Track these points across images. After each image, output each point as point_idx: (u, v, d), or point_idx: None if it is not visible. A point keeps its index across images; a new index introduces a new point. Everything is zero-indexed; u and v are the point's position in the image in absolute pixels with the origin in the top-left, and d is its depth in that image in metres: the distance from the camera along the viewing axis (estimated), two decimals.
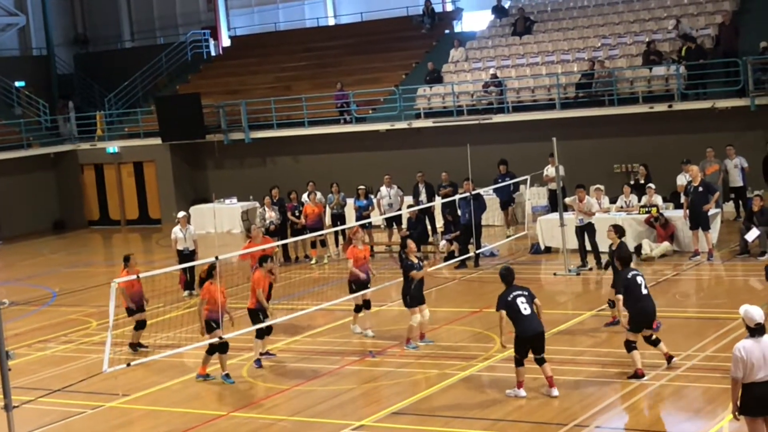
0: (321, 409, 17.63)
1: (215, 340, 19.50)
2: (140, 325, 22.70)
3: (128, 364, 18.78)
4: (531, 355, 17.15)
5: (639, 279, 17.98)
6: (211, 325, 19.71)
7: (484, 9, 46.15)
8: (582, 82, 37.09)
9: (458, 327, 21.80)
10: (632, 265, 19.12)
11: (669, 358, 18.12)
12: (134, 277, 20.35)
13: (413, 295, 20.85)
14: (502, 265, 28.83)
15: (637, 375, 17.67)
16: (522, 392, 17.18)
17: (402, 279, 20.98)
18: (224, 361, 19.82)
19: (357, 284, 22.05)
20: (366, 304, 22.27)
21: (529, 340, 17.10)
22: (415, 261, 21.01)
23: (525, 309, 17.08)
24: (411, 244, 21.30)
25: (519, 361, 17.18)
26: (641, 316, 17.88)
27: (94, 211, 48.07)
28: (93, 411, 18.75)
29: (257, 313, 20.36)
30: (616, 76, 36.41)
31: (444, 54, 43.13)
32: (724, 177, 31.81)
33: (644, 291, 17.94)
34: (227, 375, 19.77)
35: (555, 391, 17.16)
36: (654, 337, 18.19)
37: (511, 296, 17.22)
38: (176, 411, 18.38)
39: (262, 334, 20.43)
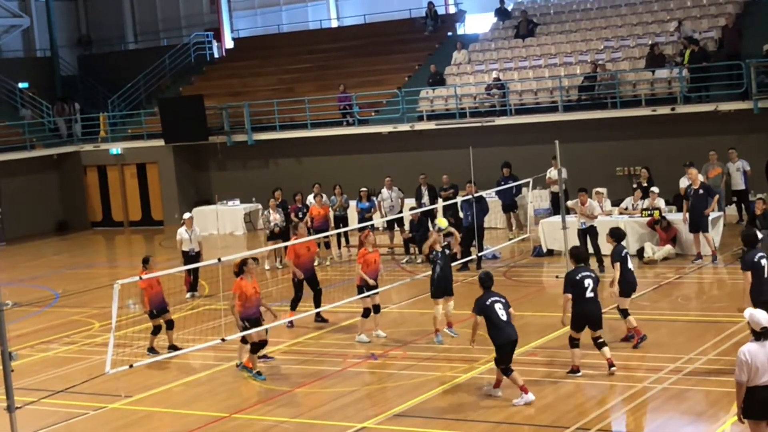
0: (323, 411, 17.65)
1: (251, 331, 19.60)
2: (169, 325, 22.63)
3: (131, 366, 18.78)
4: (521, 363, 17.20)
5: (587, 282, 18.03)
6: (244, 325, 19.76)
7: (487, 11, 46.16)
8: (585, 84, 37.10)
9: (461, 329, 21.77)
10: (630, 266, 19.43)
11: (610, 364, 18.20)
12: (137, 278, 20.19)
13: (437, 286, 21.22)
14: (503, 268, 29.05)
15: (573, 371, 18.17)
16: (530, 396, 17.07)
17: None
18: (255, 359, 19.82)
19: (367, 288, 22.00)
20: (375, 308, 22.13)
21: (509, 345, 17.15)
22: (438, 250, 21.40)
23: (502, 315, 17.15)
24: (434, 235, 21.89)
25: (508, 370, 17.17)
26: (582, 318, 18.05)
27: (97, 213, 48.12)
28: (95, 412, 18.78)
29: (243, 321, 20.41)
30: (619, 79, 36.43)
31: (447, 56, 43.15)
32: (726, 180, 31.84)
33: (589, 294, 18.00)
34: (258, 372, 19.75)
35: (499, 392, 17.41)
36: (600, 339, 18.30)
37: (489, 301, 17.26)
38: (179, 413, 18.40)
39: (256, 348, 20.00)
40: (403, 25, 47.75)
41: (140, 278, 20.24)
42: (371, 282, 21.82)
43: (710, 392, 16.91)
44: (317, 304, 23.78)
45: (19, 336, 25.18)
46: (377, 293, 22.08)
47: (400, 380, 19.01)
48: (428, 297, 21.70)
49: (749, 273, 17.53)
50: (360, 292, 22.06)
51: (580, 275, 18.02)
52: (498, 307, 17.19)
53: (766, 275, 17.64)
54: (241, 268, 19.97)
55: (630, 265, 20.06)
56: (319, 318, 23.96)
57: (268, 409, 18.14)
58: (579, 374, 18.13)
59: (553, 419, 16.21)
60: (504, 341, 17.11)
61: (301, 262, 23.84)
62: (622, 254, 19.99)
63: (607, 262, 27.64)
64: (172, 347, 22.34)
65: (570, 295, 17.94)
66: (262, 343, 19.94)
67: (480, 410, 17.00)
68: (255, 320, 19.77)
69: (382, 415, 17.08)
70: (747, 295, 17.50)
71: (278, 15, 53.75)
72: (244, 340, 20.23)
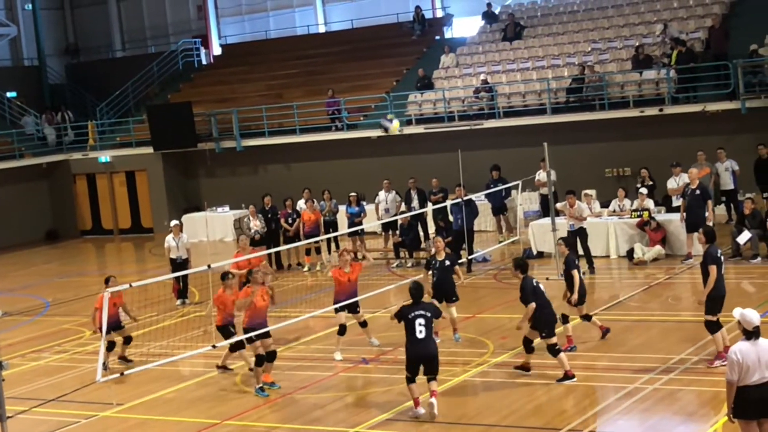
0: (315, 417, 17.65)
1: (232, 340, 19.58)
2: (127, 341, 22.55)
3: (122, 374, 18.81)
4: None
5: (542, 287, 18.38)
6: (229, 331, 19.86)
7: (475, 15, 46.25)
8: (572, 86, 37.17)
9: (451, 332, 21.79)
10: (626, 267, 19.55)
11: (525, 367, 18.72)
12: (127, 286, 20.12)
13: (435, 290, 21.31)
14: (493, 270, 29.07)
15: (524, 368, 18.65)
16: (420, 410, 16.92)
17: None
18: (259, 373, 19.42)
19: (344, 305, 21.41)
20: (363, 323, 21.64)
21: (418, 360, 16.91)
22: (440, 258, 21.41)
23: (420, 332, 16.81)
24: (438, 242, 21.94)
25: (410, 379, 17.05)
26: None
27: (87, 221, 48.08)
28: (87, 420, 18.74)
29: (227, 329, 20.43)
30: (607, 81, 36.49)
31: (435, 60, 43.20)
32: (715, 180, 31.89)
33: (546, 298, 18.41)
34: (261, 388, 19.32)
35: (434, 402, 17.01)
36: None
37: (412, 315, 16.95)
38: (170, 420, 18.38)
39: (262, 361, 19.37)
40: (391, 30, 47.79)
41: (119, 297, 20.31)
42: (341, 298, 21.18)
43: (701, 392, 16.94)
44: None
45: (10, 345, 25.18)
46: (356, 312, 21.45)
47: (392, 384, 19.01)
48: None
49: (714, 267, 17.82)
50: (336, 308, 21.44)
51: (535, 281, 18.37)
52: (419, 322, 16.86)
53: (723, 271, 18.05)
54: (223, 277, 20.17)
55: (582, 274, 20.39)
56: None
57: (260, 415, 18.13)
58: (574, 379, 18.00)
59: (545, 421, 16.24)
60: (422, 357, 16.90)
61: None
62: (577, 262, 20.30)
63: (597, 263, 27.82)
64: (123, 358, 22.40)
65: (534, 305, 18.07)
66: (271, 355, 19.54)
67: (472, 413, 17.03)
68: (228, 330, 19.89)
69: (373, 419, 17.08)
70: (709, 288, 17.85)
71: (266, 21, 53.81)
72: (232, 347, 20.27)
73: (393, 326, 23.01)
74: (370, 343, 21.80)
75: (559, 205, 28.73)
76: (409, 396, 17.18)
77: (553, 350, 18.12)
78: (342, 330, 21.24)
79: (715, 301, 17.97)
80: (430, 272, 21.56)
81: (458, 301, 21.67)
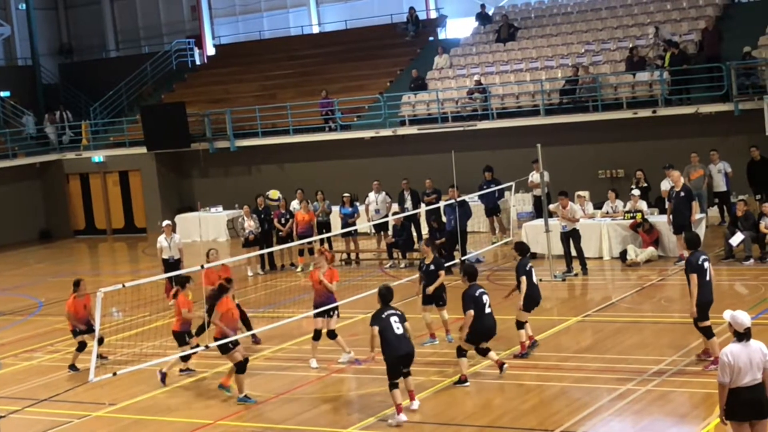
0: (308, 417, 17.66)
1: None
2: (81, 347, 22.43)
3: (114, 374, 18.77)
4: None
5: (485, 297, 18.41)
6: (184, 338, 19.94)
7: (468, 16, 46.31)
8: (566, 88, 37.20)
9: (444, 333, 21.80)
10: (535, 280, 19.99)
11: (501, 365, 18.78)
12: (120, 286, 20.06)
13: (423, 294, 21.25)
14: (486, 271, 29.08)
15: (461, 381, 18.43)
16: (402, 417, 16.93)
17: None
18: (241, 381, 19.10)
19: (317, 307, 20.86)
20: (329, 334, 20.77)
21: (401, 359, 17.09)
22: (427, 263, 21.30)
23: (398, 329, 17.05)
24: (424, 247, 21.96)
25: (394, 385, 17.07)
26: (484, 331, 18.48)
27: (80, 221, 48.08)
28: (80, 420, 18.74)
29: (183, 336, 20.46)
30: (600, 82, 36.51)
31: (428, 61, 43.22)
32: (708, 182, 31.95)
33: (488, 309, 18.41)
34: (247, 396, 19.03)
35: (415, 404, 17.37)
36: (484, 346, 18.65)
37: (385, 314, 17.16)
38: (163, 420, 18.38)
39: (243, 368, 19.03)
40: (385, 31, 47.80)
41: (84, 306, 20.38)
42: (318, 299, 20.81)
43: (694, 394, 16.97)
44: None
45: (3, 345, 25.22)
46: (330, 316, 20.82)
47: (384, 385, 18.94)
48: (412, 302, 21.72)
49: (695, 275, 17.83)
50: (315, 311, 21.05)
51: (478, 292, 18.36)
52: (394, 320, 17.08)
53: (708, 277, 18.01)
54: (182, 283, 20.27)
55: (535, 280, 20.31)
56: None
57: (253, 415, 18.14)
58: (467, 384, 18.40)
59: (538, 422, 16.25)
60: (402, 353, 17.06)
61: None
62: (527, 268, 20.19)
63: (590, 264, 27.86)
64: (100, 356, 22.35)
65: (473, 312, 18.18)
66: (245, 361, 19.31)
67: (464, 414, 17.04)
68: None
69: (366, 420, 17.09)
70: (694, 297, 17.86)
71: (259, 21, 53.80)
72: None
73: None
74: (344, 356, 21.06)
75: (552, 207, 28.74)
76: (404, 395, 17.18)
77: (461, 352, 18.40)
78: (316, 335, 20.75)
79: (701, 308, 18.01)
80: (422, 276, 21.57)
81: (445, 305, 21.50)
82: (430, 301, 21.30)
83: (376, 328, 17.10)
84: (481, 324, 18.21)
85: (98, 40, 57.30)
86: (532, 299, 20.02)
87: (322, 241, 30.80)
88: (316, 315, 20.66)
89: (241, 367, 18.86)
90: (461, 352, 18.41)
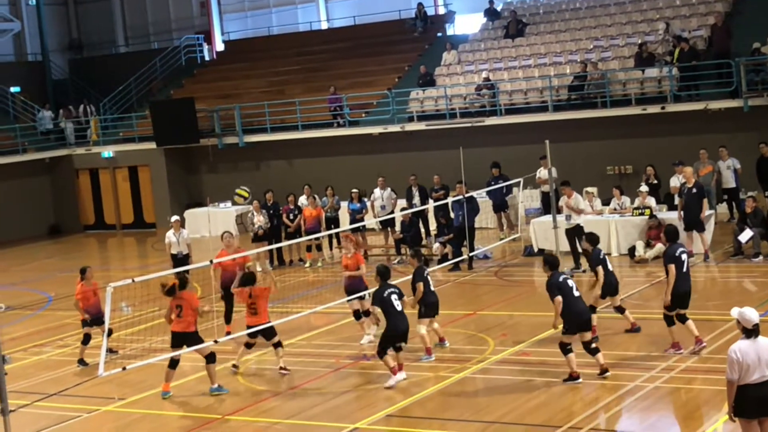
0: (316, 412, 17.70)
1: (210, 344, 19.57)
2: (86, 339, 22.53)
3: (124, 368, 18.82)
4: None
5: (570, 282, 18.11)
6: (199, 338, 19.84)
7: (477, 12, 46.26)
8: (574, 84, 37.18)
9: (452, 329, 21.86)
10: (628, 264, 19.63)
11: (603, 370, 18.05)
12: (129, 281, 20.08)
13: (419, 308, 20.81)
14: (494, 268, 29.12)
15: (572, 377, 17.89)
16: (401, 375, 18.37)
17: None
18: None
19: (349, 292, 21.94)
20: (356, 315, 22.01)
21: (401, 335, 18.31)
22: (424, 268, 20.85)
23: (398, 306, 18.14)
24: (410, 259, 21.95)
25: (384, 353, 18.29)
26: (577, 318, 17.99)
27: (90, 216, 48.16)
28: (89, 415, 18.82)
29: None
30: (609, 78, 36.51)
31: (436, 57, 43.24)
32: (717, 178, 31.93)
33: (576, 293, 17.99)
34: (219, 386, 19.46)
35: (402, 375, 18.35)
36: (594, 345, 18.23)
37: (386, 293, 18.27)
38: (171, 415, 18.46)
39: (174, 364, 19.49)
40: (393, 27, 47.83)
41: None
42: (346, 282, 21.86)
43: (702, 391, 16.99)
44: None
45: (13, 339, 25.26)
46: (362, 298, 21.72)
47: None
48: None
49: (673, 266, 18.49)
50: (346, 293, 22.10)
51: (562, 278, 18.07)
52: (395, 298, 18.27)
53: (684, 269, 18.64)
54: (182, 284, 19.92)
55: (610, 267, 20.54)
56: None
57: (262, 410, 18.19)
58: (578, 380, 17.88)
59: (545, 419, 16.27)
60: (402, 330, 18.34)
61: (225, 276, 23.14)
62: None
63: None
64: (109, 350, 22.44)
65: (560, 298, 17.81)
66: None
67: (471, 410, 17.06)
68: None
69: (374, 415, 17.14)
70: (670, 287, 18.54)
71: (268, 17, 53.80)
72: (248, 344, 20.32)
73: None
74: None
75: (561, 202, 28.74)
76: (412, 392, 17.27)
77: (565, 348, 18.05)
78: (356, 316, 22.08)
79: (676, 298, 18.63)
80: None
81: (436, 315, 20.87)
82: (422, 314, 20.56)
83: (378, 309, 18.29)
84: (570, 311, 17.80)
85: (108, 36, 57.39)
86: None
87: (357, 229, 30.73)
88: (350, 300, 21.88)
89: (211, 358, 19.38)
90: (565, 348, 17.86)
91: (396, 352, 18.51)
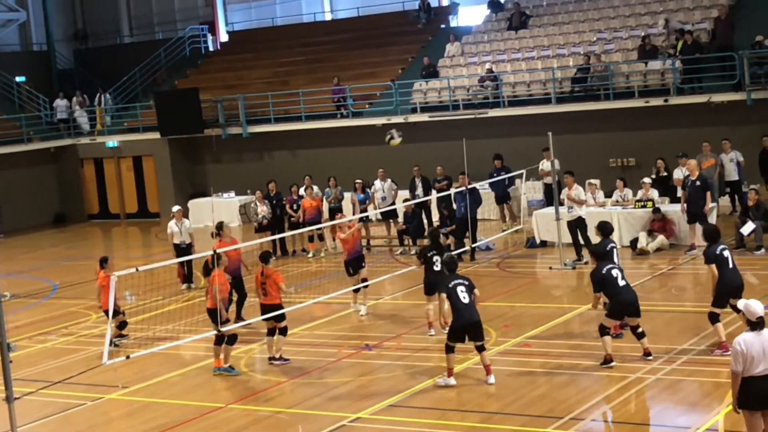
0: (318, 402, 17.78)
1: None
2: (121, 326, 22.79)
3: (128, 357, 18.90)
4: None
5: (615, 272, 18.20)
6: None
7: (480, 3, 46.26)
8: (578, 76, 37.21)
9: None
10: (630, 257, 19.58)
11: (647, 353, 18.37)
12: (133, 270, 20.20)
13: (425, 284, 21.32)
14: (497, 259, 29.20)
15: (606, 361, 18.10)
16: (452, 380, 17.81)
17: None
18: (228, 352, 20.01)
19: (352, 266, 23.63)
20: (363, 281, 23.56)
21: (465, 329, 17.66)
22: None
23: (464, 298, 17.65)
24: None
25: (450, 348, 17.80)
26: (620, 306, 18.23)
27: (94, 205, 48.31)
28: (93, 403, 18.91)
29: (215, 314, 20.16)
30: (612, 71, 36.54)
31: (440, 49, 43.26)
32: (720, 171, 31.95)
33: (621, 282, 18.16)
34: (231, 366, 19.94)
35: (491, 379, 17.76)
36: (640, 329, 18.40)
37: (452, 284, 17.80)
38: (175, 403, 18.53)
39: (220, 340, 19.95)
40: (397, 18, 47.85)
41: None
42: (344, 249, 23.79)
43: (704, 383, 17.03)
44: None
45: (17, 327, 25.35)
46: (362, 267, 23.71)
47: (394, 371, 19.14)
48: (422, 288, 21.74)
49: (713, 266, 18.22)
50: (347, 271, 23.93)
51: (605, 269, 18.19)
52: (461, 290, 17.72)
53: (731, 265, 18.35)
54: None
55: (616, 260, 19.76)
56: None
57: (264, 399, 18.28)
58: (612, 364, 18.05)
59: (547, 409, 16.33)
60: (466, 324, 17.64)
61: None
62: (608, 248, 19.71)
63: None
64: (122, 336, 22.84)
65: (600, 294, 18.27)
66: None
67: (474, 400, 17.12)
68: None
69: (376, 405, 17.20)
70: (713, 285, 18.38)
71: (272, 8, 53.83)
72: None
73: (395, 313, 23.28)
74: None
75: (562, 195, 28.79)
76: (413, 382, 17.33)
77: (603, 330, 18.21)
78: (357, 289, 23.68)
79: (722, 296, 18.29)
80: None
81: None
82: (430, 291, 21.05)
83: (444, 295, 17.76)
84: (617, 301, 18.08)
85: (113, 26, 57.43)
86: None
87: (360, 219, 30.77)
88: (349, 274, 23.74)
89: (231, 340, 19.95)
90: (604, 330, 18.12)
91: (478, 351, 17.89)
